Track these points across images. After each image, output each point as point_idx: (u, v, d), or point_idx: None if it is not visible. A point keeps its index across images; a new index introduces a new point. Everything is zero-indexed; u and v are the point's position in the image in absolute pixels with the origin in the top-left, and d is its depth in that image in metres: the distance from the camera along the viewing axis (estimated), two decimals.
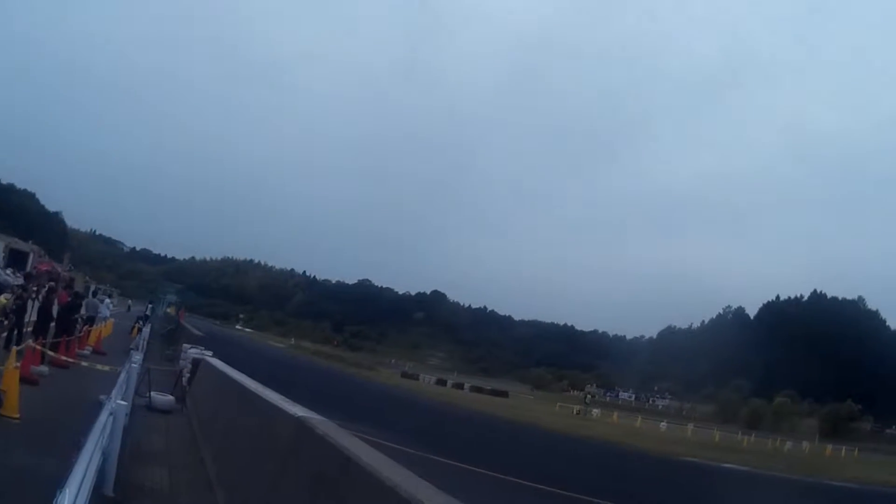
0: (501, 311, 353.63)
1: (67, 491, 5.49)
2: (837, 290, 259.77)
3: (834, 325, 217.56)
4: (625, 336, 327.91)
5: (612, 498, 22.88)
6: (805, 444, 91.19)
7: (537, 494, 22.23)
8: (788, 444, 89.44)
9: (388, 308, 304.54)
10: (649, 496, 26.02)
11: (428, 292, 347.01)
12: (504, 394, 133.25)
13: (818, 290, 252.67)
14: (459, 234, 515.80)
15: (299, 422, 9.06)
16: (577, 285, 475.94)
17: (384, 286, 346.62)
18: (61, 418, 15.47)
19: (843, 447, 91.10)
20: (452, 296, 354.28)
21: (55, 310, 30.68)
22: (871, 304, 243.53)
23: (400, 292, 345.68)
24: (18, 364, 17.67)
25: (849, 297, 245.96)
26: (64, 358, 25.75)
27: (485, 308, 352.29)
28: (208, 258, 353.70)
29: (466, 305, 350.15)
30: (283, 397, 11.98)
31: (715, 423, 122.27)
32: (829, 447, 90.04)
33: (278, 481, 9.06)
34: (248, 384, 15.14)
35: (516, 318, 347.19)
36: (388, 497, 5.62)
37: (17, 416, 15.79)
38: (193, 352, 27.97)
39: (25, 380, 19.65)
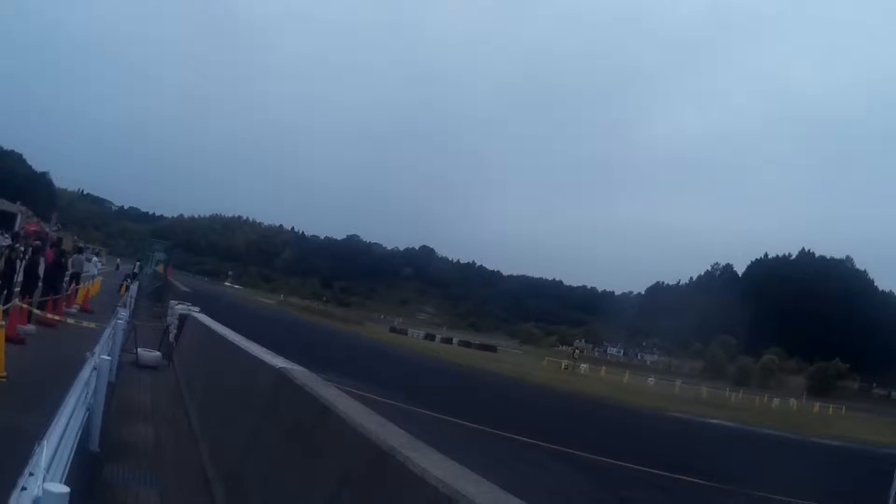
0: (490, 267, 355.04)
1: (46, 443, 5.54)
2: (826, 249, 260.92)
3: (822, 283, 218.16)
4: (613, 292, 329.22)
5: (591, 449, 23.14)
6: (792, 402, 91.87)
7: (513, 444, 22.43)
8: (776, 401, 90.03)
9: (376, 264, 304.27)
10: (630, 448, 26.19)
11: (416, 248, 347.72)
12: (492, 348, 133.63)
13: (806, 249, 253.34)
14: (448, 189, 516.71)
15: (279, 373, 9.10)
16: (566, 241, 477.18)
17: (373, 242, 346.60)
18: (48, 377, 15.52)
19: (831, 405, 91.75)
20: (441, 251, 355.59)
21: (42, 269, 30.66)
22: (860, 265, 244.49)
23: (388, 248, 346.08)
24: (4, 324, 17.73)
25: (837, 257, 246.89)
26: (51, 316, 25.80)
27: (473, 263, 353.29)
28: (197, 216, 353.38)
29: (455, 261, 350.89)
30: (265, 350, 12.06)
31: (703, 380, 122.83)
32: (817, 405, 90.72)
33: (259, 432, 9.13)
34: (231, 337, 15.18)
35: (505, 273, 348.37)
36: (363, 444, 5.69)
37: (4, 375, 15.78)
38: (180, 308, 27.96)
39: (12, 339, 19.64)
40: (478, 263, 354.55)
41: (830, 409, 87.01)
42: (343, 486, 5.86)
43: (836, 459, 37.66)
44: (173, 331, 26.25)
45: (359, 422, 6.07)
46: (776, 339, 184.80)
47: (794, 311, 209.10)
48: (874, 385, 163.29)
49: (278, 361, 9.99)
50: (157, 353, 23.73)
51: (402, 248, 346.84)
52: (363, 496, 5.45)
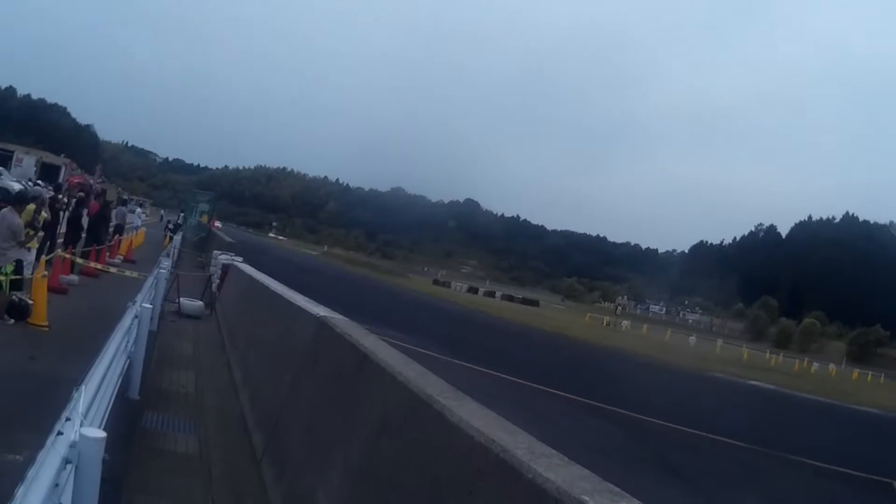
0: (534, 221, 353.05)
1: (84, 389, 5.59)
2: (870, 214, 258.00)
3: (865, 249, 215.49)
4: (657, 249, 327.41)
5: (630, 406, 23.13)
6: (831, 367, 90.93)
7: (553, 398, 22.49)
8: (815, 366, 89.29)
9: (421, 216, 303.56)
10: (669, 406, 26.12)
11: (461, 201, 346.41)
12: (535, 303, 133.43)
13: (850, 213, 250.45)
14: (493, 142, 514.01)
15: (320, 321, 9.14)
16: (611, 197, 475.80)
17: (417, 194, 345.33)
18: (90, 326, 15.65)
19: (870, 372, 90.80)
20: (485, 205, 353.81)
21: (85, 220, 30.82)
22: None
23: (433, 200, 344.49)
24: (47, 274, 17.87)
25: (881, 222, 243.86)
26: (93, 266, 26.03)
27: (517, 217, 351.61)
28: (241, 167, 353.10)
29: (499, 214, 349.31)
30: (306, 299, 12.11)
31: (744, 341, 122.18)
32: (856, 371, 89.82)
33: (298, 380, 9.19)
34: (273, 286, 15.25)
35: (549, 227, 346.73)
36: (399, 392, 5.74)
37: (46, 324, 15.95)
38: (223, 258, 28.07)
39: (55, 289, 19.90)
40: (522, 218, 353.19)
41: (869, 377, 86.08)
42: (380, 433, 5.89)
43: (873, 428, 37.32)
44: (216, 280, 26.43)
45: (398, 370, 6.09)
46: (818, 303, 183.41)
47: (836, 274, 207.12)
48: None
49: (319, 310, 10.03)
50: (200, 303, 23.93)
51: (446, 201, 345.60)
52: (400, 443, 5.47)
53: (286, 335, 11.05)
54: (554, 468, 3.67)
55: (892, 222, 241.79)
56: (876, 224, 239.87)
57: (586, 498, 3.27)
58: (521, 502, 3.61)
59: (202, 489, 8.42)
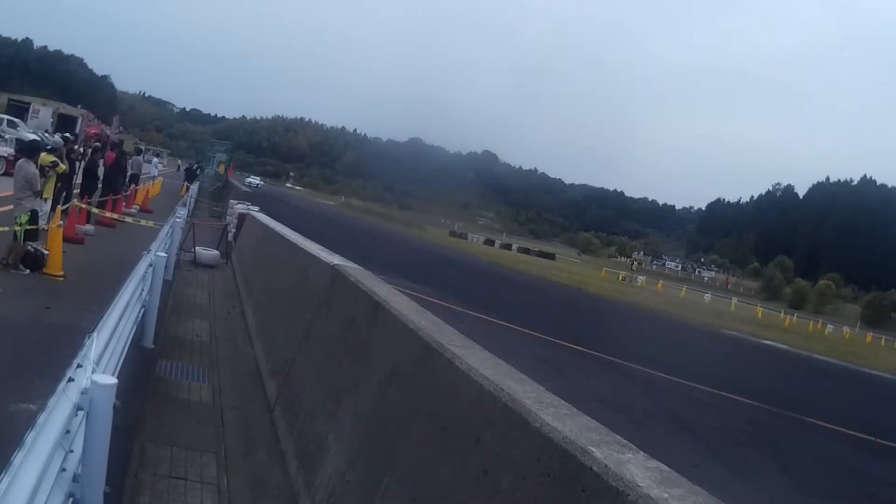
0: (552, 174, 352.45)
1: (96, 336, 5.59)
2: (888, 178, 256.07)
3: (882, 212, 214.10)
4: (674, 206, 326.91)
5: (642, 362, 23.16)
6: (846, 329, 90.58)
7: (567, 351, 22.53)
8: (829, 328, 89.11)
9: (438, 167, 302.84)
10: (681, 362, 26.13)
11: (479, 153, 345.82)
12: (551, 256, 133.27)
13: (868, 176, 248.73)
14: (513, 95, 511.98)
15: (334, 269, 9.23)
16: (629, 151, 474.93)
17: (435, 145, 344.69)
18: (106, 275, 15.68)
19: (884, 336, 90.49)
20: (503, 157, 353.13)
21: (101, 170, 30.85)
22: None
23: (451, 152, 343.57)
24: (62, 223, 17.87)
25: None
26: (109, 216, 26.07)
27: (535, 170, 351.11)
28: (259, 117, 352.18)
29: (517, 167, 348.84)
30: (321, 247, 12.15)
31: (758, 300, 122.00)
32: (870, 335, 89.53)
33: (312, 328, 9.27)
34: (289, 235, 15.31)
35: (566, 181, 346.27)
36: (412, 340, 5.79)
37: (62, 274, 16.00)
38: (240, 207, 28.08)
39: (71, 239, 19.90)
40: (540, 171, 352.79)
41: (883, 341, 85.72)
42: (391, 381, 5.94)
43: (886, 393, 37.21)
44: (232, 230, 26.45)
45: (409, 318, 6.15)
46: (833, 265, 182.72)
47: (853, 237, 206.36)
48: None
49: (334, 259, 10.10)
50: (216, 252, 23.96)
51: (464, 153, 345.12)
52: (410, 390, 5.54)
53: (300, 283, 11.11)
54: (562, 418, 3.68)
55: None
56: (894, 188, 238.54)
57: (592, 448, 3.27)
58: (528, 451, 3.63)
59: (215, 437, 8.48)
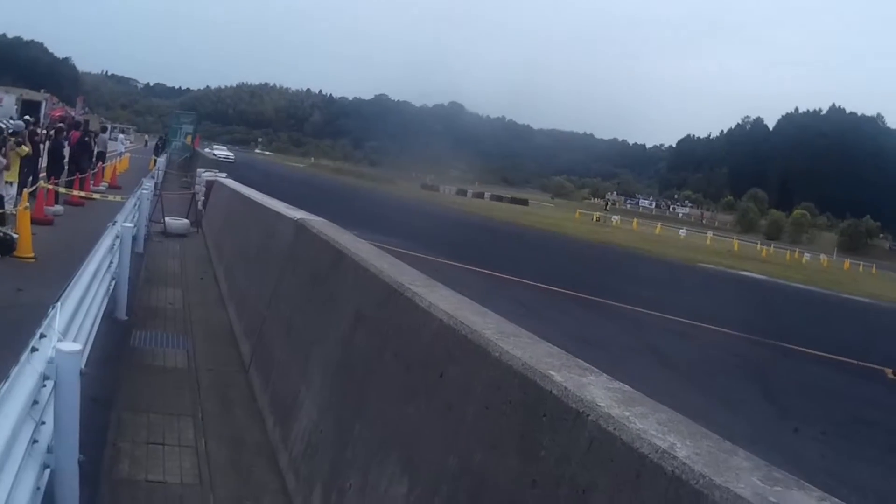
0: (520, 121, 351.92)
1: (60, 306, 5.56)
2: (856, 106, 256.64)
3: (852, 140, 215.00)
4: (644, 145, 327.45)
5: (620, 298, 23.27)
6: (823, 257, 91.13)
7: (542, 293, 22.57)
8: (806, 257, 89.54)
9: (406, 122, 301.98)
10: (659, 297, 26.22)
11: (446, 104, 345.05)
12: (524, 202, 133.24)
13: (837, 105, 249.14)
14: (474, 42, 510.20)
15: (298, 224, 9.25)
16: (595, 93, 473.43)
17: (401, 100, 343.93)
18: (77, 253, 15.61)
19: (861, 262, 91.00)
20: (470, 107, 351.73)
21: (66, 150, 30.73)
22: (891, 123, 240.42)
23: (417, 105, 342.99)
24: (30, 206, 17.82)
25: (868, 114, 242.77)
26: (77, 194, 25.98)
27: (503, 118, 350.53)
28: (223, 86, 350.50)
29: (485, 116, 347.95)
30: (286, 205, 12.17)
31: (734, 233, 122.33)
32: (847, 262, 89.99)
33: (280, 284, 9.34)
34: (254, 196, 15.31)
35: (535, 127, 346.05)
36: (372, 283, 5.84)
37: (32, 255, 15.97)
38: (207, 175, 28.06)
39: (40, 221, 19.95)
40: (508, 118, 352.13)
41: (861, 267, 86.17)
42: (356, 326, 5.99)
43: (865, 317, 37.44)
44: (201, 198, 26.42)
45: (371, 262, 6.19)
46: (807, 194, 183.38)
47: (824, 166, 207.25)
48: None
49: (297, 214, 10.11)
50: (186, 221, 23.94)
51: (431, 105, 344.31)
52: (374, 334, 5.58)
53: (267, 242, 11.13)
54: (522, 346, 3.69)
55: (878, 114, 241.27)
56: (863, 116, 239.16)
57: (552, 372, 3.27)
58: (489, 381, 3.64)
59: (191, 401, 8.49)
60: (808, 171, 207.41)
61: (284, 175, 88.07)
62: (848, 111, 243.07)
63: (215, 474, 6.71)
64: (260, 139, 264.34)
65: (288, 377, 7.55)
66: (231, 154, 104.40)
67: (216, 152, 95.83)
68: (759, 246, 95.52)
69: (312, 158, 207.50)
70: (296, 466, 6.45)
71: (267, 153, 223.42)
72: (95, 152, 38.14)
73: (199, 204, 26.18)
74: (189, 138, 65.85)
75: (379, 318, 5.56)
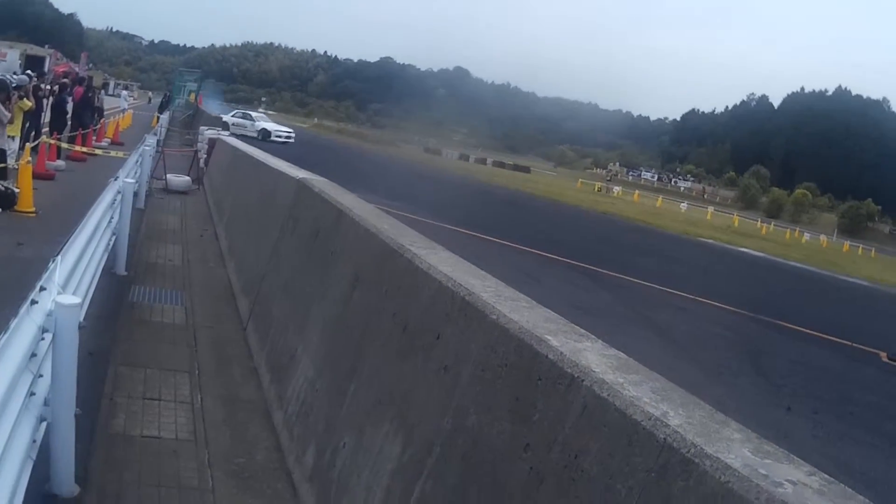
0: (525, 88, 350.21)
1: (60, 259, 5.57)
2: (861, 89, 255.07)
3: (857, 123, 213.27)
4: (648, 117, 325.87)
5: (618, 269, 23.28)
6: (822, 238, 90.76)
7: (541, 260, 22.60)
8: (806, 236, 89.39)
9: (410, 85, 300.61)
10: (657, 269, 26.23)
11: (450, 69, 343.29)
12: (526, 169, 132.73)
13: (843, 87, 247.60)
14: (482, 8, 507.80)
15: (300, 183, 9.27)
16: (601, 64, 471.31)
17: (406, 63, 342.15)
18: (78, 208, 15.62)
19: (860, 245, 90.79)
20: (476, 72, 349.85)
21: (69, 106, 30.67)
22: None
23: (422, 69, 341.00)
24: (31, 161, 17.82)
25: (873, 97, 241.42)
26: (79, 149, 25.97)
27: (508, 84, 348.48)
28: (228, 44, 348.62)
29: (490, 82, 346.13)
30: (288, 164, 12.18)
31: (735, 209, 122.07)
32: (847, 243, 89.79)
33: (280, 243, 9.36)
34: (256, 155, 15.32)
35: (540, 95, 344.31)
36: (372, 244, 5.87)
37: (33, 210, 16.00)
38: (210, 132, 28.07)
39: (42, 176, 20.03)
40: (513, 85, 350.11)
41: (860, 249, 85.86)
42: (355, 286, 6.03)
43: (862, 299, 37.33)
44: (203, 155, 26.41)
45: (371, 223, 6.20)
46: (809, 175, 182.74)
47: (828, 147, 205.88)
48: None
49: (299, 173, 10.12)
50: (187, 178, 23.96)
51: (435, 70, 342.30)
52: (372, 294, 5.61)
53: (269, 201, 11.13)
54: (519, 310, 3.71)
55: (884, 98, 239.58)
56: (869, 99, 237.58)
57: (549, 337, 3.30)
58: (485, 343, 3.66)
59: (188, 357, 8.53)
60: (812, 152, 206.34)
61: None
62: (854, 94, 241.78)
63: (210, 430, 6.75)
64: (264, 98, 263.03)
65: (285, 335, 7.58)
66: (290, 131, 70.52)
67: (263, 125, 68.61)
68: (759, 223, 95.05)
69: (316, 119, 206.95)
70: (290, 424, 6.49)
71: (270, 112, 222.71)
72: (100, 108, 38.11)
73: (201, 161, 26.16)
74: (192, 96, 65.99)
75: (378, 279, 5.59)
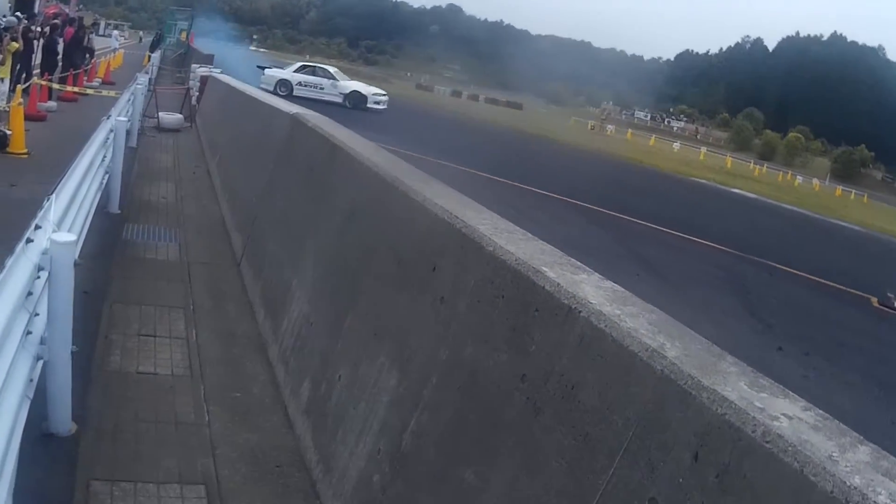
0: (518, 26, 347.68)
1: (55, 198, 5.57)
2: (857, 35, 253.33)
3: (852, 69, 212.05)
4: (642, 56, 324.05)
5: (610, 206, 23.33)
6: (815, 182, 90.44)
7: (534, 196, 22.66)
8: (799, 180, 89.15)
9: (402, 22, 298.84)
10: (649, 207, 26.18)
11: (443, 6, 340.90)
12: (518, 106, 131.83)
13: (838, 32, 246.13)
14: None
15: (294, 118, 9.22)
16: (595, 1, 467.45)
17: (399, 0, 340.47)
18: (69, 149, 15.55)
19: (853, 190, 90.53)
20: (468, 9, 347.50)
21: (60, 47, 30.46)
22: (892, 56, 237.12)
23: (415, 6, 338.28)
24: (23, 102, 17.73)
25: (869, 44, 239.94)
26: (70, 89, 25.84)
27: (501, 22, 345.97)
28: None
29: (483, 19, 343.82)
30: (281, 99, 12.18)
31: (728, 150, 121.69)
32: (839, 188, 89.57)
33: (274, 178, 9.36)
34: (249, 91, 15.35)
35: (533, 32, 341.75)
36: (367, 177, 5.86)
37: (25, 151, 15.91)
38: (201, 70, 27.89)
39: (33, 117, 19.78)
40: (506, 22, 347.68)
41: (853, 195, 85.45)
42: (350, 220, 6.03)
43: (854, 244, 37.27)
44: (195, 93, 26.28)
45: (366, 157, 6.18)
46: (803, 119, 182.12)
47: (822, 92, 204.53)
48: None
49: (293, 108, 10.05)
50: (180, 116, 23.88)
51: (428, 7, 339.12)
52: (368, 227, 5.63)
53: (262, 137, 11.10)
54: (515, 242, 3.71)
55: (880, 45, 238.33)
56: (865, 46, 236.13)
57: (545, 269, 3.30)
58: (481, 275, 3.67)
59: (183, 293, 8.54)
60: (805, 96, 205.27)
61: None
62: (849, 39, 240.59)
63: (205, 366, 6.77)
64: (255, 36, 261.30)
65: (279, 270, 7.59)
66: (383, 95, 50.31)
67: (352, 85, 51.02)
68: (751, 165, 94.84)
69: (308, 56, 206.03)
70: (285, 357, 6.53)
71: (262, 50, 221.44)
72: (91, 47, 37.86)
73: (193, 99, 26.04)
74: (184, 34, 65.67)
75: (373, 212, 5.59)
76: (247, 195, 10.80)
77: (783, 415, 2.25)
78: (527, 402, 3.13)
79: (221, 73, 25.81)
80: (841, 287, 19.74)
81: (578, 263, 3.52)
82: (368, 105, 46.96)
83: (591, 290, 3.13)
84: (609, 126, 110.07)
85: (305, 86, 46.70)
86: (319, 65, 54.99)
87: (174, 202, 13.27)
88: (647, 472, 2.50)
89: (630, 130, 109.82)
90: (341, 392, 5.01)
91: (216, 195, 13.79)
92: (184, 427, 5.69)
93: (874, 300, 18.97)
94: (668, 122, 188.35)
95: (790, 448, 2.08)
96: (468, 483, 3.39)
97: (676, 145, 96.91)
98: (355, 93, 48.06)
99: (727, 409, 2.27)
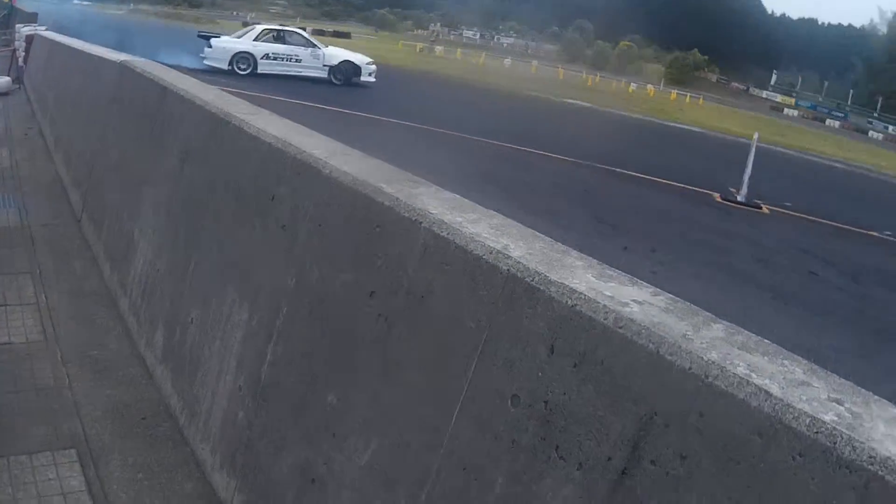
0: None
1: None
2: None
3: None
4: None
5: (447, 126, 23.43)
6: (650, 87, 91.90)
7: (356, 120, 22.62)
8: (633, 87, 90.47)
9: None
10: (486, 125, 26.27)
11: None
12: (346, 35, 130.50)
13: None
14: None
15: (122, 66, 9.03)
16: None
17: None
18: None
19: (688, 94, 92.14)
20: None
21: None
22: None
23: None
24: None
25: None
26: None
27: None
28: None
29: None
30: (107, 49, 11.89)
31: (560, 63, 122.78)
32: (674, 92, 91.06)
33: (106, 129, 9.16)
34: (74, 44, 14.93)
35: None
36: (199, 116, 5.81)
37: None
38: (26, 30, 27.33)
39: None
40: None
41: (688, 98, 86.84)
42: (185, 161, 5.95)
43: (692, 144, 38.00)
44: (22, 54, 25.67)
45: (197, 95, 6.11)
46: (633, 27, 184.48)
47: None
48: (733, 80, 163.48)
49: (120, 56, 9.89)
50: (7, 79, 23.28)
51: None
52: (203, 166, 5.59)
53: (91, 89, 10.89)
54: (351, 163, 3.74)
55: None
56: None
57: (383, 185, 3.33)
58: (320, 199, 3.69)
59: (27, 258, 8.36)
60: (633, 5, 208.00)
61: (101, 23, 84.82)
62: None
63: (59, 328, 6.66)
64: None
65: (120, 221, 7.49)
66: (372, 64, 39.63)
67: (342, 54, 39.44)
68: (584, 75, 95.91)
69: (132, 4, 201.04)
70: (136, 308, 6.46)
71: (85, 3, 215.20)
72: None
73: (20, 60, 25.39)
74: None
75: (207, 150, 5.54)
76: (81, 149, 10.59)
77: (633, 301, 2.33)
78: (378, 317, 3.18)
79: (47, 30, 25.22)
80: (683, 186, 20.26)
81: (417, 178, 3.56)
82: (362, 78, 37.64)
83: (431, 201, 3.17)
84: (438, 47, 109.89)
85: (276, 58, 36.31)
86: (289, 28, 41.44)
87: (9, 167, 12.91)
88: (506, 371, 2.56)
89: (459, 50, 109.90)
90: (195, 334, 4.99)
91: (51, 154, 13.48)
92: (45, 392, 5.60)
93: (717, 196, 19.53)
94: (498, 39, 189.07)
95: (643, 331, 2.15)
96: (331, 406, 3.43)
97: (507, 61, 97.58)
98: (347, 63, 37.85)
99: (577, 300, 2.34)
